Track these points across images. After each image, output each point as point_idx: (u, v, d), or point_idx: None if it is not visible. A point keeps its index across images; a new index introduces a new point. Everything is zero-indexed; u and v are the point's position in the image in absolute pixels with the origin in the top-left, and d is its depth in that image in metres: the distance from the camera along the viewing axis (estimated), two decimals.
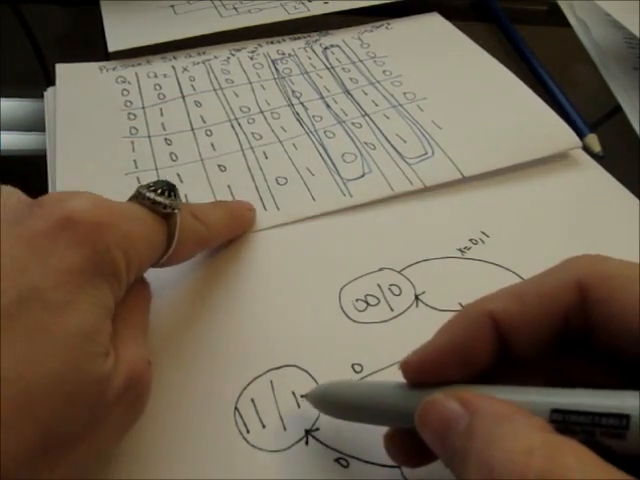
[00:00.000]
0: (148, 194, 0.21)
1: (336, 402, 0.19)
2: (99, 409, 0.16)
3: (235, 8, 0.43)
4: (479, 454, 0.13)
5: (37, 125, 0.34)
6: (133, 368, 0.18)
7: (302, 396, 0.21)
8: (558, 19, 0.48)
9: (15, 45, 0.42)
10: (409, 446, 0.18)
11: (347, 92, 0.37)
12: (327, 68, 0.39)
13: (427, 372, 0.17)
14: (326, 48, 0.41)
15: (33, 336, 0.15)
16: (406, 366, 0.17)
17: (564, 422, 0.14)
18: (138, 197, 0.21)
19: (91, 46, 0.41)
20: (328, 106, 0.36)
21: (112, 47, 0.39)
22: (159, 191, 0.21)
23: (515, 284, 0.17)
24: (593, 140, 0.34)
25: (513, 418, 0.14)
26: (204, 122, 0.34)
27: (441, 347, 0.17)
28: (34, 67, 0.40)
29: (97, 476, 0.19)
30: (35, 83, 0.38)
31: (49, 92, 0.36)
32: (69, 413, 0.16)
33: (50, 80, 0.37)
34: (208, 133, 0.34)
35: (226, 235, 0.27)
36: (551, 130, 0.33)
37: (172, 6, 0.44)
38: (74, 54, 0.39)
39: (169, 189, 0.21)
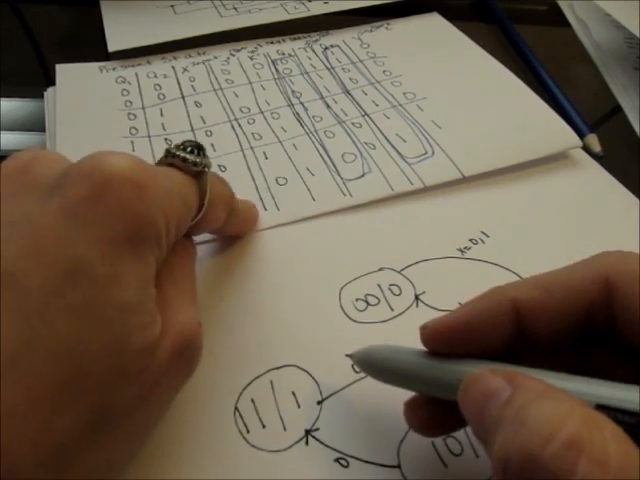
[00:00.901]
0: (178, 152, 0.21)
1: (379, 365, 0.19)
2: (149, 377, 0.17)
3: (235, 8, 0.43)
4: (514, 415, 0.13)
5: (37, 125, 0.34)
6: (182, 331, 0.18)
7: (347, 355, 0.20)
8: (558, 19, 0.48)
9: (15, 45, 0.42)
10: (427, 416, 0.18)
11: (347, 92, 0.37)
12: (327, 68, 0.39)
13: (442, 340, 0.18)
14: (326, 48, 0.41)
15: (81, 312, 0.15)
16: (424, 330, 0.18)
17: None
18: (168, 156, 0.21)
19: (91, 46, 0.41)
20: (328, 106, 0.36)
21: (112, 47, 0.39)
22: (189, 149, 0.21)
23: (543, 273, 0.18)
24: (593, 140, 0.34)
25: (555, 391, 0.14)
26: (204, 122, 0.34)
27: (458, 320, 0.17)
28: (34, 67, 0.40)
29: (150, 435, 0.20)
30: (35, 83, 0.38)
31: (49, 92, 0.36)
32: (120, 386, 0.16)
33: (50, 80, 0.37)
34: (208, 133, 0.34)
35: (240, 222, 0.27)
36: (551, 130, 0.33)
37: (172, 6, 0.44)
38: (74, 54, 0.39)
39: (198, 148, 0.21)
